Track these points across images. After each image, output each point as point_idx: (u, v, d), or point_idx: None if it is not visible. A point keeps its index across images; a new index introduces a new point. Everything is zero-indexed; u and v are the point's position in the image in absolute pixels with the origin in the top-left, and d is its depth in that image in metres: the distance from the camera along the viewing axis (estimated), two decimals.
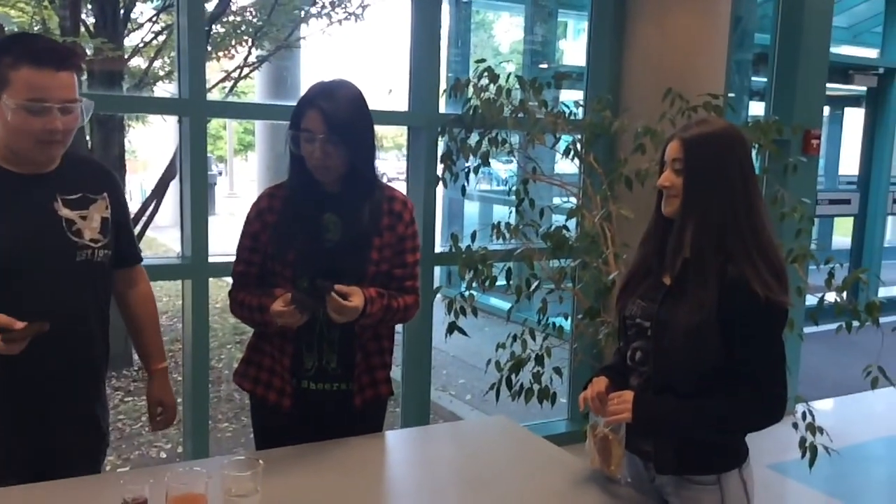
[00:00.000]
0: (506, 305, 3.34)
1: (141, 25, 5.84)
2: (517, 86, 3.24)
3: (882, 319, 3.02)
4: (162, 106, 3.36)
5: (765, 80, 5.50)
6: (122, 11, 5.58)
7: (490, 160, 3.32)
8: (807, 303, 3.46)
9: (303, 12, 5.67)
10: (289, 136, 1.96)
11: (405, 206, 2.07)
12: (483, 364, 3.28)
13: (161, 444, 4.70)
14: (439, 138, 3.43)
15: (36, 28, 5.92)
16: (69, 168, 1.84)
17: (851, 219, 7.81)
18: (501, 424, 2.25)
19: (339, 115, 1.91)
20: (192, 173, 3.02)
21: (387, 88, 3.46)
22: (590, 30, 4.00)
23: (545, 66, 9.15)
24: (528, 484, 1.90)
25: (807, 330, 4.79)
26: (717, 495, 1.77)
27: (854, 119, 9.63)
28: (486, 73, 3.16)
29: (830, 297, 3.12)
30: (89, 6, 5.62)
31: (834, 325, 3.16)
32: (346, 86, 1.99)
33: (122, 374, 5.53)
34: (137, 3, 5.71)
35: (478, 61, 3.26)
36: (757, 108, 6.40)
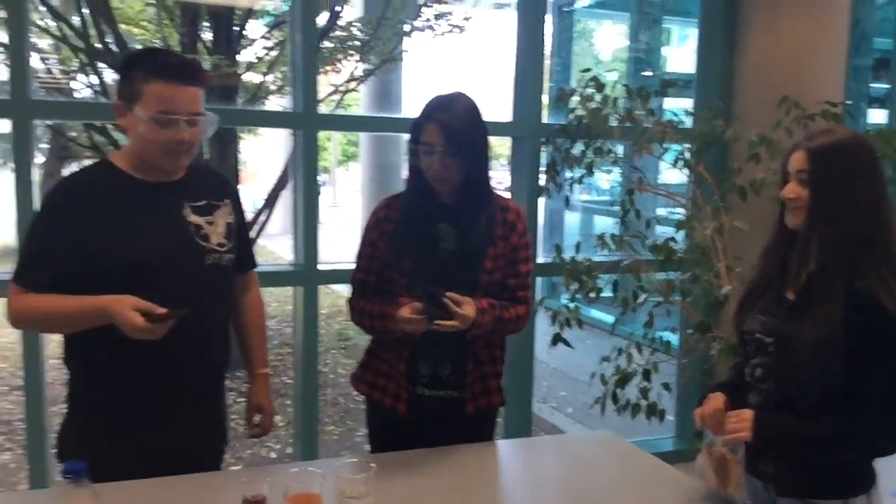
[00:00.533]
0: (607, 318, 3.28)
1: (253, 42, 6.09)
2: (624, 94, 3.20)
3: None
4: (277, 119, 3.48)
5: (885, 86, 5.24)
6: (236, 29, 5.84)
7: (594, 170, 3.28)
8: None
9: (407, 26, 5.77)
10: (408, 149, 2.01)
11: (518, 217, 2.09)
12: (584, 377, 3.24)
13: (271, 444, 4.87)
14: (542, 148, 3.42)
15: (157, 45, 6.27)
16: (194, 177, 1.93)
17: None
18: (610, 439, 2.22)
19: (457, 128, 1.94)
20: (305, 184, 3.12)
21: (492, 100, 3.47)
22: (699, 37, 3.90)
23: (649, 73, 8.99)
24: (639, 501, 1.87)
25: None
26: None
27: None
28: (592, 83, 3.13)
29: None
30: (206, 24, 5.90)
31: None
32: (463, 99, 2.03)
33: (236, 375, 5.75)
34: (250, 20, 5.96)
35: (583, 71, 3.23)
36: (876, 116, 6.11)
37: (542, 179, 3.39)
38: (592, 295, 3.05)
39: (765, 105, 3.41)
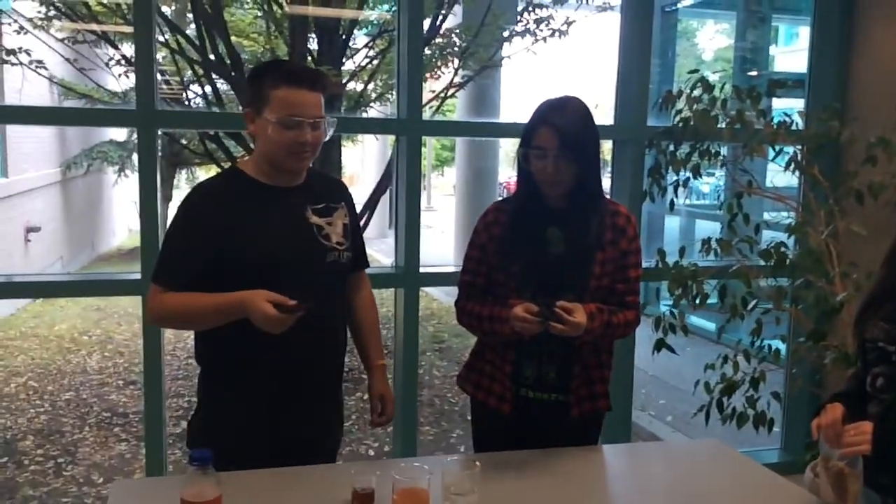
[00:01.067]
0: (708, 325, 3.19)
1: (357, 51, 6.25)
2: (732, 95, 3.12)
3: None
4: (383, 126, 3.55)
5: None
6: (342, 38, 6.01)
7: (700, 174, 3.21)
8: None
9: (507, 32, 5.80)
10: (519, 154, 2.03)
11: (629, 222, 2.08)
12: (684, 385, 3.17)
13: (370, 442, 4.98)
14: (646, 152, 3.37)
15: (266, 56, 6.53)
16: (312, 181, 2.03)
17: None
18: (717, 448, 2.17)
19: (570, 131, 1.95)
20: (408, 189, 3.19)
21: (592, 103, 3.45)
22: (812, 34, 3.76)
23: (755, 73, 8.70)
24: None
25: None
26: None
27: None
28: (699, 84, 3.07)
29: None
30: (313, 35, 6.10)
31: None
32: (576, 102, 2.04)
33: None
34: (355, 31, 6.13)
35: (690, 72, 3.17)
36: None
37: (646, 183, 3.34)
38: (698, 301, 2.97)
39: (883, 105, 3.27)
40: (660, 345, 2.95)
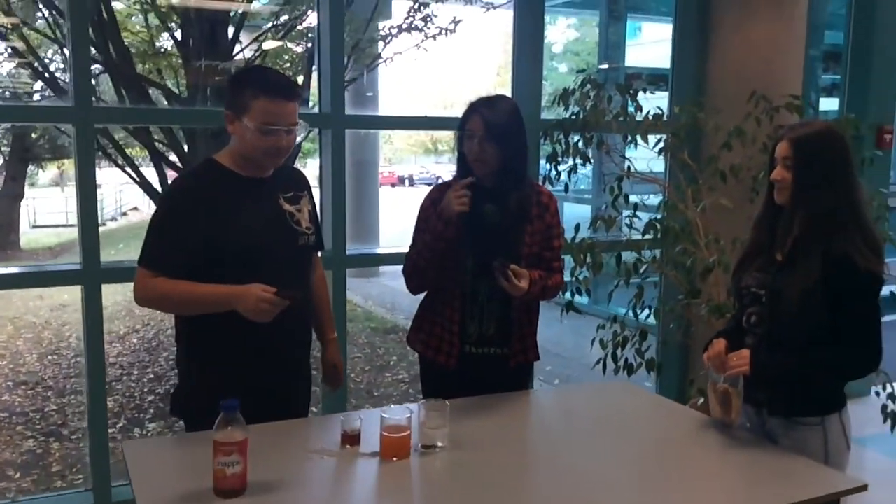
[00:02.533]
0: (582, 301, 3.63)
1: (247, 45, 6.37)
2: (615, 92, 3.61)
3: None
4: (308, 120, 3.76)
5: (833, 76, 5.75)
6: (231, 31, 6.11)
7: (589, 160, 3.68)
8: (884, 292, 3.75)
9: (394, 28, 6.10)
10: (455, 137, 2.39)
11: (551, 199, 2.48)
12: (566, 353, 3.61)
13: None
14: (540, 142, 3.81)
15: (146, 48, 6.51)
16: (279, 172, 2.25)
17: None
18: (625, 386, 2.63)
19: (495, 119, 2.33)
20: (334, 179, 3.46)
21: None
22: (673, 37, 4.34)
23: (606, 66, 9.44)
24: (657, 432, 2.27)
25: (885, 319, 5.05)
26: (820, 435, 2.09)
27: None
28: (588, 83, 3.53)
29: None
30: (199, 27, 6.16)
31: None
32: (504, 99, 2.44)
33: None
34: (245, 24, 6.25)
35: (579, 71, 3.63)
36: (826, 104, 6.62)
37: (544, 169, 3.78)
38: (596, 269, 3.44)
39: (736, 98, 3.84)
40: (569, 307, 3.41)
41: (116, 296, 8.33)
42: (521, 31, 3.88)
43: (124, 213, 19.24)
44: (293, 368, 2.30)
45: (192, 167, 2.30)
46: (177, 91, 6.59)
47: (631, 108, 3.60)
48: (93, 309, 3.14)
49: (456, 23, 6.02)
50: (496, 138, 2.33)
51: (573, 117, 3.61)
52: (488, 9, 6.23)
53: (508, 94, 3.82)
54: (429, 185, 2.52)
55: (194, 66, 5.81)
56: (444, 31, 5.97)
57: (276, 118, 2.07)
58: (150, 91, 6.25)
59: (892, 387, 3.44)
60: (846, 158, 2.08)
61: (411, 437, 1.98)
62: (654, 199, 3.85)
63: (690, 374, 3.66)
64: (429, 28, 5.93)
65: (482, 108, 2.36)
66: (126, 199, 19.07)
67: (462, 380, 2.45)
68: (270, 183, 2.21)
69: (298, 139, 2.21)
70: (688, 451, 2.13)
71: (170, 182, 6.36)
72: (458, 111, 2.46)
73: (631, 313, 3.58)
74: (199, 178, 2.20)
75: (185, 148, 5.82)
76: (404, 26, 6.04)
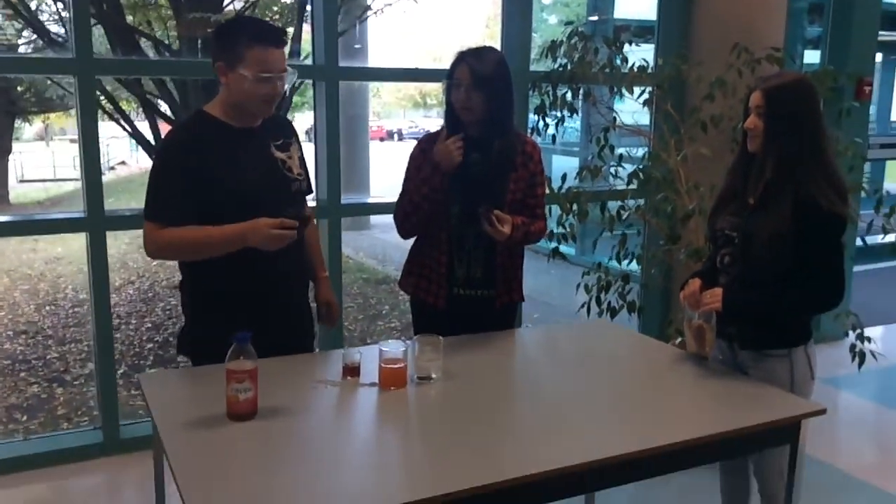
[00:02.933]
0: (569, 250, 3.77)
1: None
2: (602, 44, 3.70)
3: None
4: (302, 72, 3.85)
5: (818, 28, 5.85)
6: None
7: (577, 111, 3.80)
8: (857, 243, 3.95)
9: None
10: (444, 86, 2.50)
11: (535, 148, 2.60)
12: (553, 301, 3.75)
13: None
14: (529, 94, 3.91)
15: None
16: (267, 122, 2.33)
17: None
18: (607, 325, 2.80)
19: (481, 69, 2.43)
20: (328, 130, 3.58)
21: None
22: None
23: (595, 18, 9.46)
24: (635, 364, 2.44)
25: (856, 268, 5.26)
26: (787, 365, 2.26)
27: None
28: (575, 34, 3.63)
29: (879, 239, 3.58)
30: None
31: (881, 265, 3.57)
32: (491, 50, 2.53)
33: None
34: None
35: (567, 23, 3.72)
36: (810, 56, 6.73)
37: (532, 120, 3.89)
38: (581, 216, 3.58)
39: (719, 50, 3.93)
40: (555, 252, 3.56)
41: (111, 249, 8.45)
42: None
43: (112, 168, 19.19)
44: (293, 306, 2.43)
45: (184, 120, 2.38)
46: (166, 42, 6.62)
47: (617, 61, 3.70)
48: (98, 255, 3.27)
49: None
50: (482, 87, 2.43)
51: (561, 69, 3.71)
52: None
53: (498, 46, 3.91)
54: (417, 139, 2.64)
55: (185, 18, 5.83)
56: None
57: (271, 65, 2.16)
58: (141, 42, 6.27)
59: (862, 329, 3.63)
60: (815, 108, 2.20)
61: (407, 368, 2.14)
62: (639, 152, 3.97)
63: (670, 315, 3.83)
64: None
65: (469, 57, 2.46)
66: (113, 154, 19.01)
67: (451, 320, 2.58)
68: (261, 132, 2.30)
69: (287, 86, 2.29)
70: (663, 380, 2.30)
71: (163, 135, 6.44)
72: (447, 63, 2.56)
73: (615, 260, 3.74)
74: (192, 129, 2.28)
75: (177, 99, 5.87)
76: None
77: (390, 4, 5.88)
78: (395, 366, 2.13)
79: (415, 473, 1.71)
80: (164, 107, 6.35)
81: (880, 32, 5.43)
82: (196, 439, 1.80)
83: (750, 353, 2.32)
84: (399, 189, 2.63)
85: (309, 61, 3.62)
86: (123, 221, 3.34)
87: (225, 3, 6.37)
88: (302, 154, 2.46)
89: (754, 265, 2.24)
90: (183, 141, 2.26)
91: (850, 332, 3.59)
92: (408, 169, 2.61)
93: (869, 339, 3.57)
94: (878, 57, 7.39)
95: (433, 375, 2.18)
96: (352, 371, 2.19)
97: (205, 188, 2.16)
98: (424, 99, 29.55)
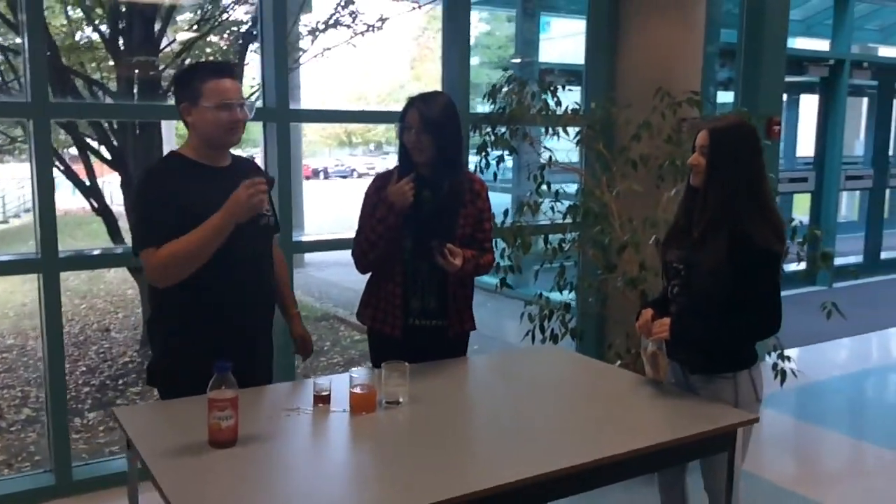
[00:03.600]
0: (492, 281, 3.98)
1: (174, 40, 6.44)
2: (538, 89, 3.96)
3: (836, 284, 3.72)
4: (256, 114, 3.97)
5: (729, 71, 6.32)
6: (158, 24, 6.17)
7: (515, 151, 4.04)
8: None
9: (320, 25, 6.29)
10: (397, 129, 2.67)
11: (482, 186, 2.80)
12: (491, 334, 3.89)
13: None
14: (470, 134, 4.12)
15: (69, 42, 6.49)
16: (237, 163, 2.49)
17: (809, 196, 8.69)
18: (558, 350, 2.98)
19: (430, 114, 2.62)
20: (279, 171, 3.69)
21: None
22: (587, 36, 4.73)
23: (518, 60, 9.82)
24: (584, 385, 2.63)
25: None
26: (732, 388, 2.41)
27: (809, 105, 10.54)
28: (514, 80, 3.87)
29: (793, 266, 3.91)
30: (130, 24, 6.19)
31: (794, 292, 3.86)
32: (441, 95, 2.74)
33: None
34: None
35: (505, 69, 3.96)
36: (722, 97, 7.20)
37: (472, 161, 4.10)
38: (524, 250, 3.79)
39: (643, 93, 4.24)
40: (502, 283, 3.75)
41: (34, 294, 8.26)
42: (449, 30, 4.19)
43: (27, 210, 18.63)
44: (258, 335, 2.53)
45: (158, 160, 2.51)
46: (103, 83, 6.60)
47: (552, 103, 3.96)
48: (51, 296, 3.28)
49: (383, 20, 6.28)
50: (431, 130, 2.62)
51: (500, 111, 3.94)
52: (414, 9, 6.47)
53: (424, 86, 4.11)
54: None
55: (124, 60, 5.85)
56: (371, 28, 6.21)
57: (228, 94, 2.33)
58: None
59: (782, 349, 3.92)
60: (755, 150, 2.38)
61: (377, 394, 2.27)
62: (569, 187, 4.22)
63: (608, 339, 4.06)
64: (356, 24, 6.16)
65: (419, 102, 2.65)
66: (29, 196, 18.46)
67: (407, 349, 2.65)
68: (231, 170, 2.43)
69: (249, 116, 2.41)
70: (608, 398, 2.49)
71: (97, 178, 6.42)
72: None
73: (556, 290, 3.95)
74: (167, 167, 2.42)
75: (114, 142, 5.87)
76: (331, 22, 6.23)
77: (329, 49, 6.05)
78: (366, 392, 2.26)
79: (389, 490, 1.82)
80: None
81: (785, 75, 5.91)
82: (183, 467, 1.88)
83: (699, 377, 2.47)
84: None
85: (260, 103, 3.75)
86: (78, 262, 3.37)
87: (162, 45, 6.42)
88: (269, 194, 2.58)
89: (698, 295, 2.39)
90: (160, 172, 2.40)
91: (772, 353, 3.87)
92: (363, 206, 2.75)
93: (789, 359, 3.87)
94: (783, 97, 7.96)
95: (401, 400, 2.31)
96: (323, 399, 2.30)
97: (180, 217, 2.26)
98: (350, 137, 29.76)
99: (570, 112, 3.96)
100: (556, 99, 3.98)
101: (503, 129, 4.03)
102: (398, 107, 2.80)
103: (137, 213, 2.35)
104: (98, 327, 7.48)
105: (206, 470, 1.87)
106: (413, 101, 2.67)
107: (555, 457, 1.96)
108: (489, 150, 3.95)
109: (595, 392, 2.55)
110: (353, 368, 2.35)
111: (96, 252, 3.61)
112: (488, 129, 4.05)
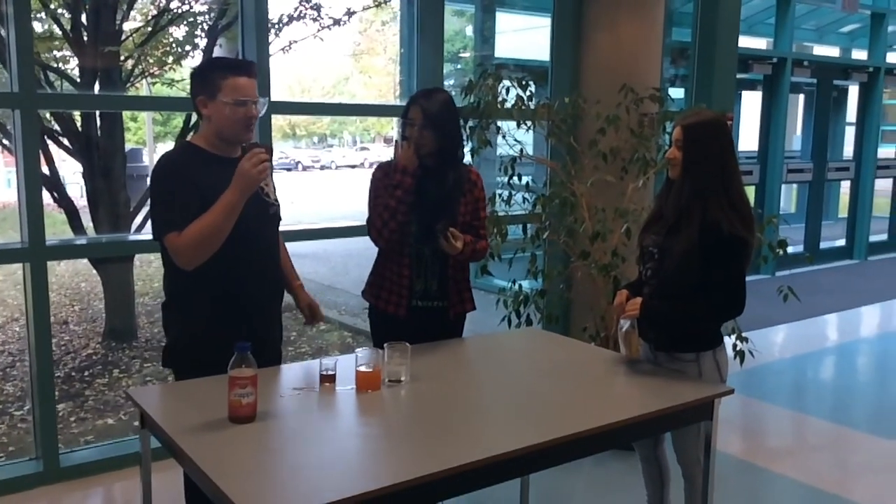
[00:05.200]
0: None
1: (137, 30, 6.40)
2: (514, 84, 4.11)
3: (779, 273, 3.96)
4: None
5: (676, 69, 6.58)
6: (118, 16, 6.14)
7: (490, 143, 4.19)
8: None
9: (284, 18, 6.31)
10: (399, 124, 2.80)
11: (479, 178, 2.97)
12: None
13: None
14: None
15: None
16: (244, 152, 2.53)
17: (753, 188, 9.08)
18: (539, 333, 3.15)
19: (432, 110, 2.78)
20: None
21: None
22: (552, 34, 4.91)
23: (466, 54, 9.96)
24: (570, 364, 2.80)
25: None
26: (695, 369, 2.61)
27: (750, 101, 10.96)
28: (490, 76, 4.02)
29: None
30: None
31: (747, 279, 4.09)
32: (441, 92, 2.88)
33: None
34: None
35: (479, 65, 4.11)
36: (673, 93, 7.48)
37: None
38: (503, 237, 3.96)
39: (607, 89, 4.43)
40: (483, 270, 3.90)
41: None
42: (423, 25, 4.31)
43: None
44: (267, 323, 2.64)
45: (173, 149, 2.59)
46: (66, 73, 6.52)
47: (524, 98, 4.12)
48: (38, 286, 3.31)
49: (350, 13, 6.34)
50: (433, 125, 2.77)
51: (476, 105, 4.09)
52: (380, 4, 6.55)
53: (380, 79, 4.23)
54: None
55: (87, 51, 5.80)
56: (338, 22, 6.28)
57: (245, 91, 2.43)
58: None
59: (740, 331, 4.16)
60: (726, 144, 2.58)
61: (381, 372, 2.40)
62: (530, 180, 4.40)
63: (580, 323, 4.26)
64: (322, 18, 6.22)
65: (421, 99, 2.81)
66: None
67: (409, 328, 2.81)
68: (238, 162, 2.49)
69: (261, 112, 2.52)
70: (594, 374, 2.68)
71: (59, 169, 6.35)
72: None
73: (531, 277, 4.14)
74: (182, 156, 2.51)
75: (80, 131, 5.83)
76: (295, 16, 6.27)
77: (296, 42, 6.09)
78: (371, 370, 2.38)
79: (397, 459, 1.96)
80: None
81: None
82: (208, 441, 1.98)
83: (665, 355, 2.67)
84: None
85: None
86: (64, 251, 3.39)
87: (123, 37, 6.37)
88: (274, 183, 2.68)
89: (668, 278, 2.58)
90: (174, 160, 2.48)
91: (730, 336, 4.11)
92: (373, 190, 2.88)
93: (747, 340, 4.12)
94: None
95: (402, 378, 2.44)
96: (329, 378, 2.42)
97: (198, 203, 2.35)
98: (294, 130, 29.53)
99: (542, 107, 4.13)
100: (528, 94, 4.14)
101: (472, 123, 4.16)
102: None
103: (159, 199, 2.42)
104: (56, 320, 7.37)
105: (229, 443, 1.98)
106: (416, 99, 2.82)
107: (548, 428, 2.11)
108: (464, 142, 4.08)
109: (582, 370, 2.72)
110: (358, 349, 2.47)
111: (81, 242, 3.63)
112: (462, 124, 4.18)
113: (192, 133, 5.03)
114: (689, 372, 2.62)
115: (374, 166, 2.96)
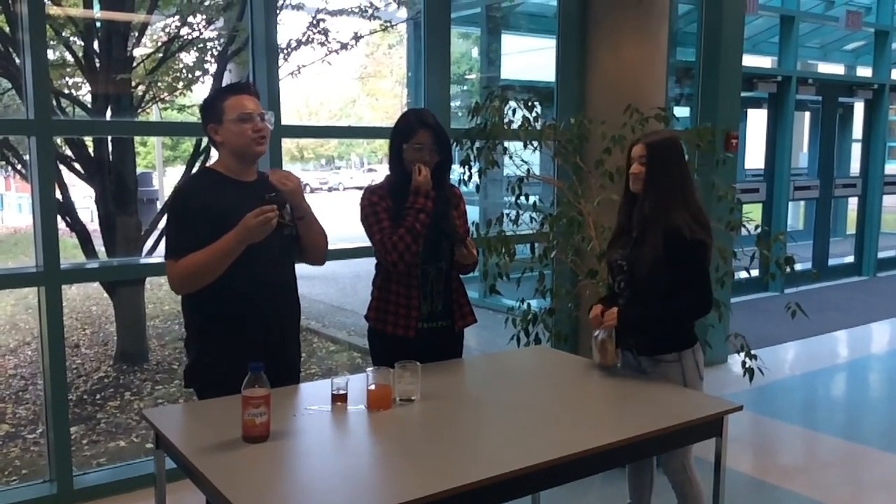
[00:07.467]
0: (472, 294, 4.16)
1: (148, 55, 6.51)
2: (521, 106, 4.16)
3: (787, 290, 4.00)
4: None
5: (681, 88, 6.63)
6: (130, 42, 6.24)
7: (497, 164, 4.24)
8: (735, 277, 4.59)
9: (293, 42, 6.41)
10: (401, 147, 2.85)
11: (461, 197, 3.06)
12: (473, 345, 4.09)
13: None
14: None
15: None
16: (261, 178, 2.66)
17: (760, 206, 9.09)
18: (543, 350, 3.17)
19: (440, 131, 2.88)
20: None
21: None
22: (558, 56, 4.97)
23: (472, 76, 10.07)
24: (584, 385, 2.83)
25: (734, 300, 5.96)
26: (678, 367, 2.76)
27: (756, 119, 11.01)
28: (497, 98, 4.07)
29: (754, 273, 4.24)
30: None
31: (748, 297, 4.13)
32: (427, 110, 3.04)
33: None
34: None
35: (485, 86, 4.16)
36: (677, 112, 7.54)
37: (458, 173, 4.28)
38: (510, 257, 3.99)
39: (612, 110, 4.48)
40: (492, 289, 3.93)
41: (3, 310, 8.17)
42: (430, 48, 4.37)
43: None
44: (283, 344, 2.68)
45: (192, 174, 2.67)
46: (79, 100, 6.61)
47: (531, 119, 4.16)
48: (53, 309, 3.35)
49: (358, 38, 6.43)
50: (439, 146, 2.87)
51: (483, 127, 4.14)
52: (386, 28, 6.64)
53: (387, 102, 4.30)
54: None
55: (100, 77, 5.90)
56: (345, 46, 6.36)
57: (247, 106, 2.53)
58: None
59: (749, 348, 4.16)
60: (682, 158, 2.78)
61: (392, 391, 2.43)
62: (537, 199, 4.44)
63: (588, 342, 4.26)
64: (330, 42, 6.30)
65: (428, 120, 2.88)
66: None
67: (414, 349, 2.81)
68: (257, 185, 2.62)
69: (270, 126, 2.60)
70: (604, 391, 2.71)
71: (71, 195, 6.44)
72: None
73: (539, 296, 4.16)
74: (200, 181, 2.63)
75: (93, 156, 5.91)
76: (304, 40, 6.36)
77: (304, 66, 6.18)
78: (382, 389, 2.41)
79: (408, 477, 1.97)
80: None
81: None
82: (223, 461, 2.01)
83: (647, 360, 2.80)
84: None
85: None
86: (79, 275, 3.44)
87: (134, 63, 6.47)
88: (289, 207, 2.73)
89: (639, 287, 2.74)
90: (193, 186, 2.61)
91: (740, 353, 4.12)
92: (376, 213, 2.88)
93: (755, 357, 4.12)
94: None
95: (413, 397, 2.47)
96: (340, 398, 2.45)
97: (211, 226, 2.43)
98: (302, 152, 29.76)
99: (548, 127, 4.17)
100: (534, 115, 4.19)
101: (479, 144, 4.21)
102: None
103: (168, 225, 2.54)
104: (67, 343, 7.41)
105: (243, 462, 2.01)
106: (422, 120, 2.87)
107: (559, 445, 2.14)
108: (472, 163, 4.14)
109: (591, 388, 2.75)
110: (368, 368, 2.50)
111: (93, 265, 3.67)
112: (469, 145, 4.24)
113: (203, 157, 5.11)
114: (673, 373, 2.76)
115: (365, 190, 2.99)
